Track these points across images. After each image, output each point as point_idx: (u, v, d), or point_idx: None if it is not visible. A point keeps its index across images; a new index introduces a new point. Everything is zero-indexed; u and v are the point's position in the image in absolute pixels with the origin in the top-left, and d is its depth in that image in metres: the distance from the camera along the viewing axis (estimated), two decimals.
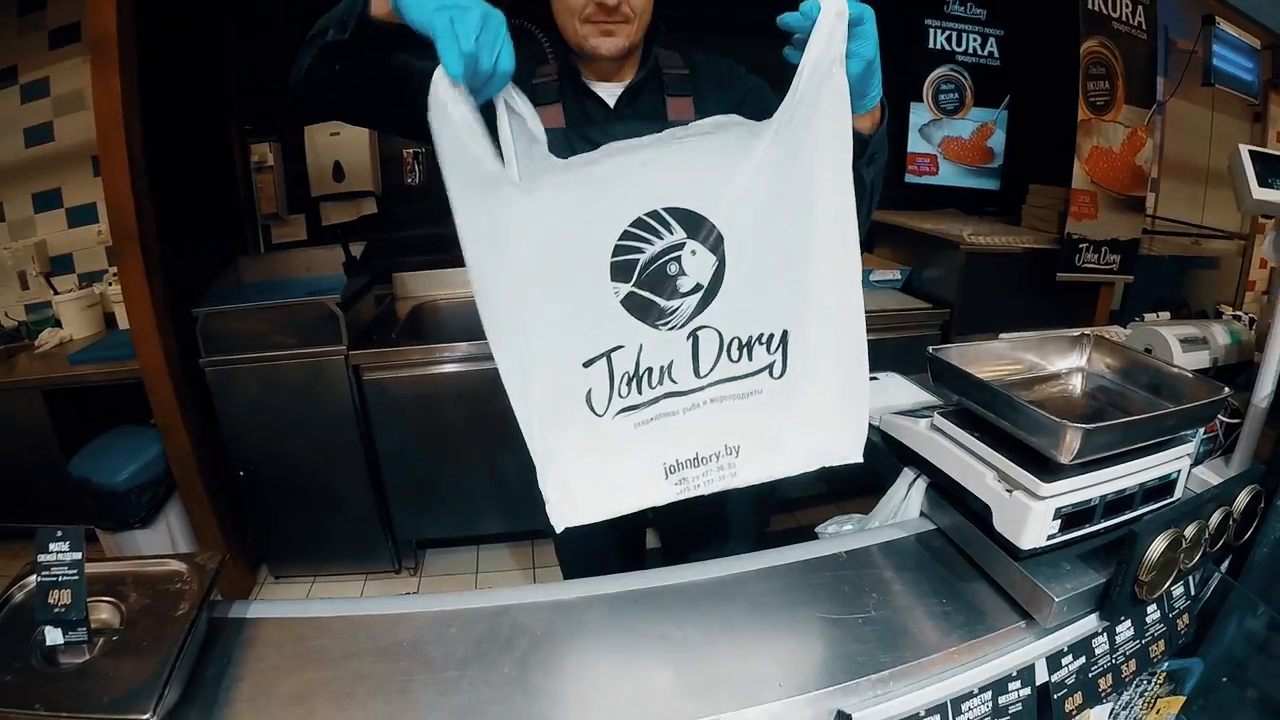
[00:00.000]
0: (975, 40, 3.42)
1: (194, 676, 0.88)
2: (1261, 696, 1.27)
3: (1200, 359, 1.41)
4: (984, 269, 2.82)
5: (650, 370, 1.00)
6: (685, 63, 1.37)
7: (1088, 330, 1.26)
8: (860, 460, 1.09)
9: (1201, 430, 1.36)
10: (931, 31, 3.37)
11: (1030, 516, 0.95)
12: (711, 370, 1.02)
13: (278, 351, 2.43)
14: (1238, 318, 1.57)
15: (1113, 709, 1.17)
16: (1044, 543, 0.96)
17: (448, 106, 0.82)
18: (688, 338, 1.00)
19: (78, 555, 0.89)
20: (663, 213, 0.96)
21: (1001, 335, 1.32)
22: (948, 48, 3.40)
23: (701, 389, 1.04)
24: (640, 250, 0.96)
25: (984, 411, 1.09)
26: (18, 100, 3.04)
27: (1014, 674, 0.93)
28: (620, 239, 0.96)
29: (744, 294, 1.00)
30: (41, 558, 0.89)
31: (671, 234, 0.96)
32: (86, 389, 2.61)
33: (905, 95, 3.39)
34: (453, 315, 3.06)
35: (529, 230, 0.92)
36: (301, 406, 2.47)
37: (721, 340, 1.01)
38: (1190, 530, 1.04)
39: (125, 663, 0.86)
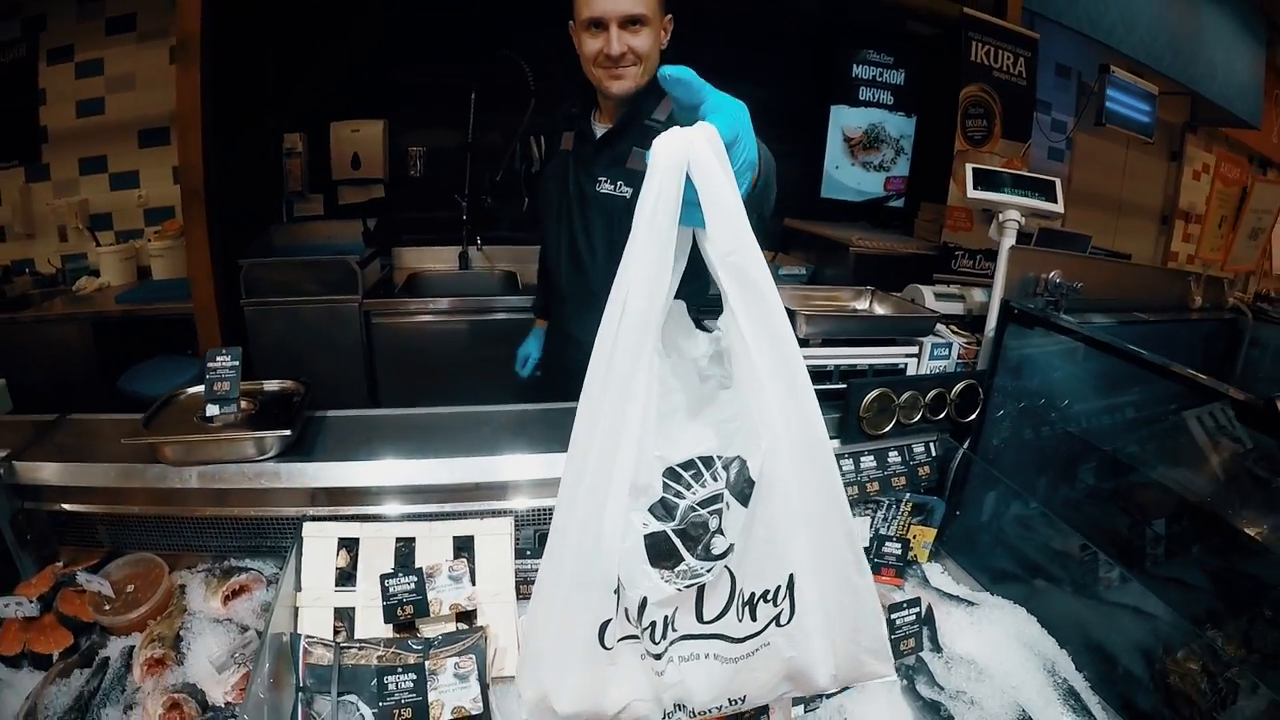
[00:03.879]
0: (896, 76, 4.14)
1: (300, 436, 1.50)
2: (996, 538, 1.88)
3: (954, 307, 2.09)
4: (871, 268, 3.42)
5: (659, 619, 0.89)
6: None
7: (870, 287, 1.93)
8: (894, 676, 1.10)
9: (956, 355, 2.03)
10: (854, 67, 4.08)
11: None
12: (717, 621, 0.90)
13: (306, 297, 3.05)
14: None
15: (872, 521, 1.79)
16: None
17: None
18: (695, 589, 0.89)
19: (236, 362, 1.51)
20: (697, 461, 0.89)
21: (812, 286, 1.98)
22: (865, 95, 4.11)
23: (706, 638, 0.91)
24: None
25: None
26: (72, 76, 3.56)
27: None
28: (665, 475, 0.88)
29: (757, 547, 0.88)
30: (209, 364, 1.51)
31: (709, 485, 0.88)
32: (128, 323, 3.16)
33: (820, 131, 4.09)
34: (439, 282, 3.70)
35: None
36: (321, 342, 3.09)
37: (733, 589, 0.90)
38: (905, 396, 1.70)
39: (264, 420, 1.50)
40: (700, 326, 0.99)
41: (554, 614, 0.91)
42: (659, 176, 0.76)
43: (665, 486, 0.87)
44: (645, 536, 0.85)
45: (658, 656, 0.89)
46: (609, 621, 0.88)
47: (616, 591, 0.86)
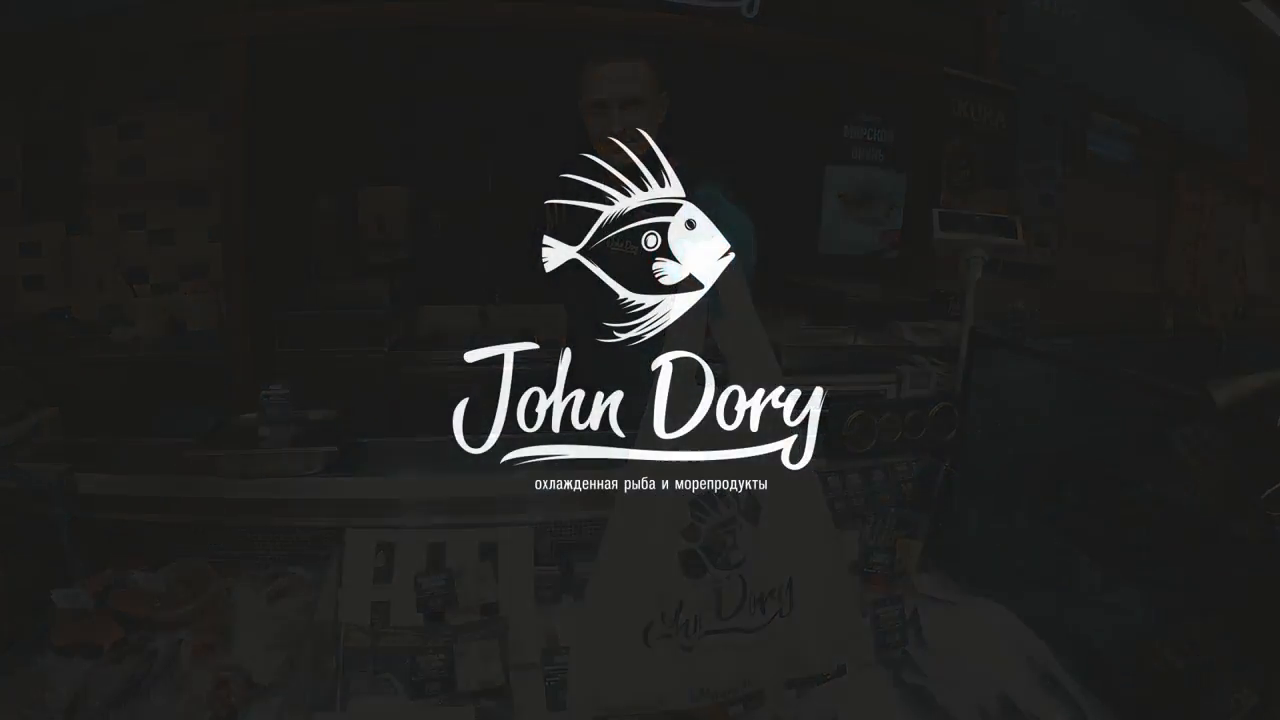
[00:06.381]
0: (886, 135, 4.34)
1: (342, 456, 1.69)
2: (979, 547, 1.97)
3: (931, 339, 2.27)
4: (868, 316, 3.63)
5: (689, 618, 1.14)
6: None
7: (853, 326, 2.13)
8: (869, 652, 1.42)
9: (936, 384, 2.20)
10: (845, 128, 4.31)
11: None
12: (733, 617, 1.17)
13: (336, 347, 3.27)
14: None
15: (860, 535, 1.91)
16: None
17: None
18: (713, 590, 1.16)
19: (286, 392, 1.71)
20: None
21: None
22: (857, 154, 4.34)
23: (726, 631, 1.17)
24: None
25: None
26: (116, 137, 3.79)
27: None
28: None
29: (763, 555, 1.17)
30: (264, 394, 1.71)
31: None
32: (163, 370, 3.38)
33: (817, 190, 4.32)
34: (456, 336, 3.85)
35: None
36: (348, 388, 3.26)
37: (745, 591, 1.17)
38: (884, 418, 1.86)
39: (309, 443, 1.68)
40: None
41: (604, 626, 1.16)
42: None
43: (692, 514, 1.13)
44: (680, 554, 1.12)
45: (689, 649, 1.14)
46: (652, 624, 1.13)
47: (658, 600, 1.12)
